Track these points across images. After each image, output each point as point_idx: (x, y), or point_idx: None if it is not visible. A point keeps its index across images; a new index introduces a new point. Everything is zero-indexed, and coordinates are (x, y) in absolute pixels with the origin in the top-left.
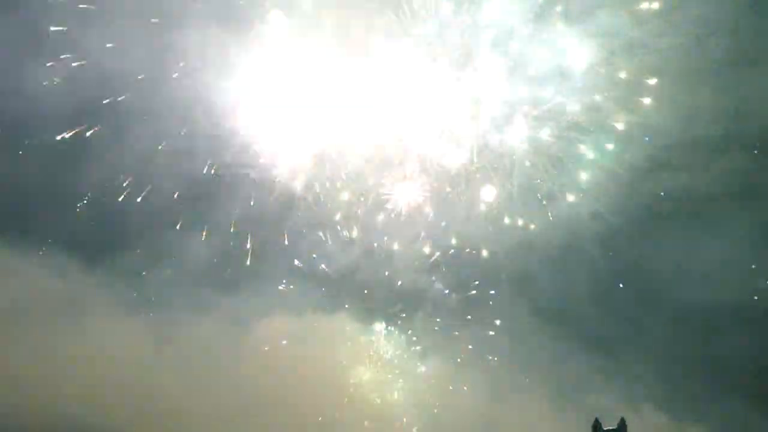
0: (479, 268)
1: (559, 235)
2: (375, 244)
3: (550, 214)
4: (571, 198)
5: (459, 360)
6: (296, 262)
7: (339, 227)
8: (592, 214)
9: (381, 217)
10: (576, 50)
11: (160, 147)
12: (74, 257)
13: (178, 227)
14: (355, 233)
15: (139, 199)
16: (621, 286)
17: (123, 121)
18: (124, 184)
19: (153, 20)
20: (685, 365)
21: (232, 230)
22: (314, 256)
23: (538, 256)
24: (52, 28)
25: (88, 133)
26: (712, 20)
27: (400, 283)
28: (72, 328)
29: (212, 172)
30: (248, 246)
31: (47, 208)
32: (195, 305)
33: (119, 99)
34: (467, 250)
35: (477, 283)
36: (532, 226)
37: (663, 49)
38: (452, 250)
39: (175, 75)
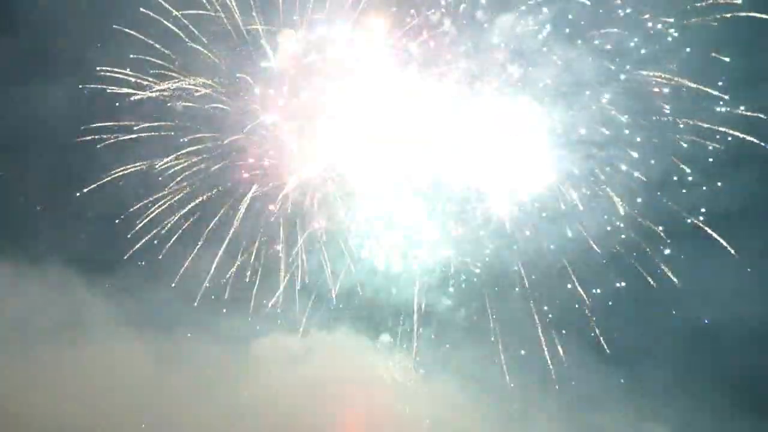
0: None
1: (571, 249)
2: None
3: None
4: (583, 213)
5: (466, 376)
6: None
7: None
8: (605, 230)
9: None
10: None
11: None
12: (76, 274)
13: (180, 245)
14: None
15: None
16: (634, 302)
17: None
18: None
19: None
20: (698, 386)
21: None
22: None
23: (550, 271)
24: None
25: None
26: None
27: (406, 299)
28: (73, 345)
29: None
30: (251, 263)
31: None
32: (195, 323)
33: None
34: (478, 264)
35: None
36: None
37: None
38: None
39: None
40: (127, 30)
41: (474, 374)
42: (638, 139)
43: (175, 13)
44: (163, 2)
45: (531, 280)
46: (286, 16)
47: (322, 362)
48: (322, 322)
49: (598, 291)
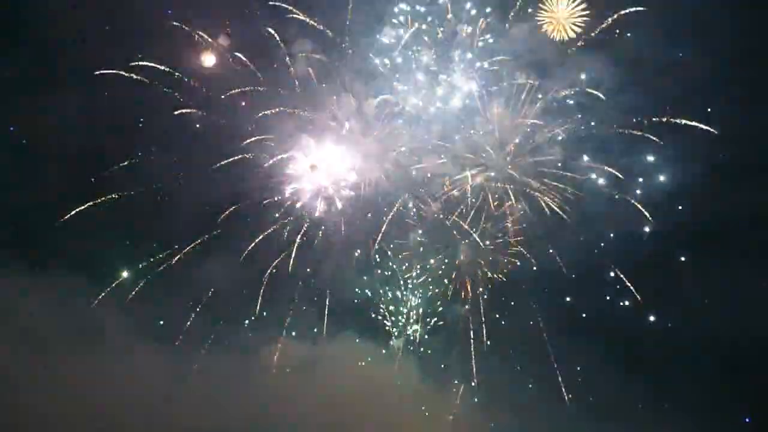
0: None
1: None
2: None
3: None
4: (597, 224)
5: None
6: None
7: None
8: (623, 238)
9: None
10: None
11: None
12: (90, 284)
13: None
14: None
15: None
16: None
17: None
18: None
19: None
20: (715, 394)
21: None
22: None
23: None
24: None
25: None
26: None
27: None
28: (85, 355)
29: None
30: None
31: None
32: (206, 333)
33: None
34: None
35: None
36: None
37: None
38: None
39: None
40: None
41: (484, 381)
42: (660, 144)
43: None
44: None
45: (541, 288)
46: (302, 25)
47: (332, 370)
48: (331, 330)
49: (613, 299)
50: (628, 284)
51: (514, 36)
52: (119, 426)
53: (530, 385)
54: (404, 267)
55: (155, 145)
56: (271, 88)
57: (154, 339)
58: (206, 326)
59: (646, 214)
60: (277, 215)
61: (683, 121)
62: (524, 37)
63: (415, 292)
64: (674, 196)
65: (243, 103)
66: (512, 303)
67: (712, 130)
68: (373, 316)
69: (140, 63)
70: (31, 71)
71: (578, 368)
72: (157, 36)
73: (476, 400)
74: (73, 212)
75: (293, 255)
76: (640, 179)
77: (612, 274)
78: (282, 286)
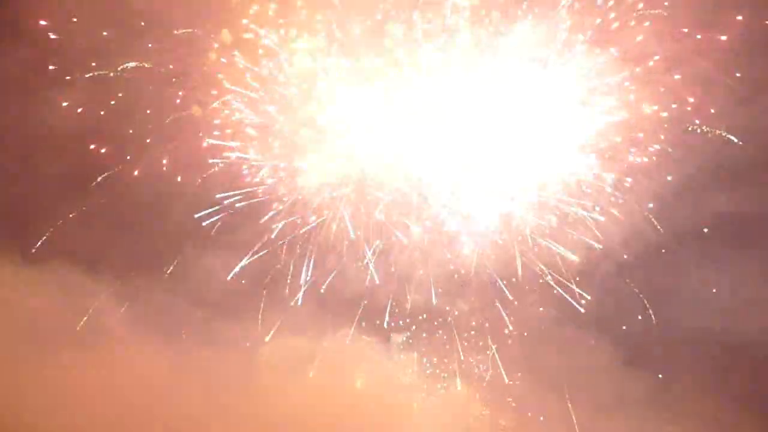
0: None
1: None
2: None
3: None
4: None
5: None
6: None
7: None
8: (624, 234)
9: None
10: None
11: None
12: (89, 278)
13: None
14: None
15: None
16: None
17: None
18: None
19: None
20: (723, 390)
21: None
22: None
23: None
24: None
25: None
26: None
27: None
28: (83, 350)
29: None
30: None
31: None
32: (206, 329)
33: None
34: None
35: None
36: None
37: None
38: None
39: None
40: None
41: (486, 379)
42: (661, 140)
43: None
44: None
45: (545, 282)
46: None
47: (331, 367)
48: (331, 326)
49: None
50: (633, 287)
51: (516, 33)
52: (119, 422)
53: (533, 384)
54: (406, 262)
55: (155, 145)
56: (271, 88)
57: (154, 337)
58: (207, 324)
59: (654, 220)
60: (277, 213)
61: (692, 126)
62: (527, 34)
63: (417, 287)
64: (680, 196)
65: (243, 103)
66: (515, 300)
67: (724, 132)
68: (374, 311)
69: (139, 63)
70: (31, 71)
71: (583, 367)
72: (156, 36)
73: (478, 397)
74: (75, 212)
75: (295, 252)
76: (646, 181)
77: (617, 275)
78: (282, 283)
